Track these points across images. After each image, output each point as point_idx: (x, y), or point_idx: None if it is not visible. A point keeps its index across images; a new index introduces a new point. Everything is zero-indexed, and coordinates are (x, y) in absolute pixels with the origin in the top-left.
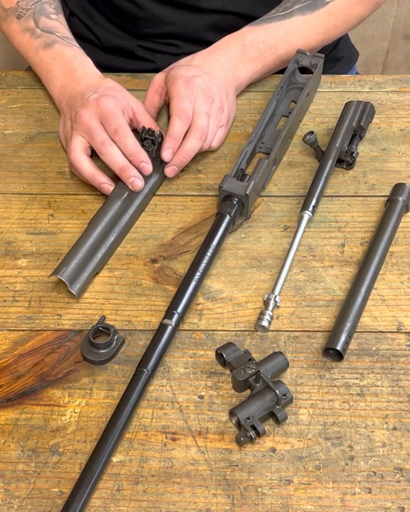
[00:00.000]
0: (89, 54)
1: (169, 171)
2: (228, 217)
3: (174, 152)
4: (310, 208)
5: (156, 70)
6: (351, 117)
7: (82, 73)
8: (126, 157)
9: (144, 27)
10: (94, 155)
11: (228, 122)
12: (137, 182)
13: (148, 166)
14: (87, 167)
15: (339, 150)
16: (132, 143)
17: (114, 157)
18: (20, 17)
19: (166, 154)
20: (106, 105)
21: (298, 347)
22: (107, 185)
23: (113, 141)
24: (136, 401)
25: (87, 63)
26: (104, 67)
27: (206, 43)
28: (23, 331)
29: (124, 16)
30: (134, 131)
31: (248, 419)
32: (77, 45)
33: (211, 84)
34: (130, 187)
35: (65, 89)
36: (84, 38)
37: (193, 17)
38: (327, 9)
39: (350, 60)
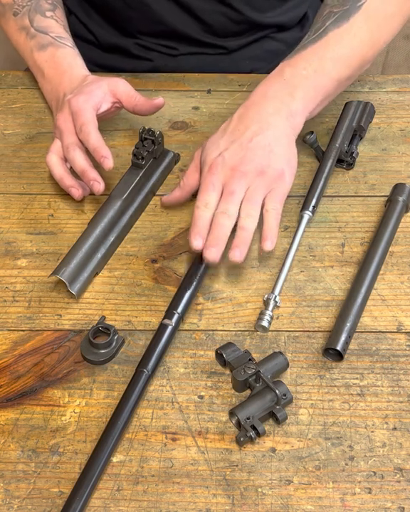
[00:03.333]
0: (86, 53)
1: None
2: None
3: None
4: (310, 208)
5: (154, 69)
6: (351, 117)
7: (69, 75)
8: (91, 152)
9: (140, 26)
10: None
11: (281, 179)
12: (95, 185)
13: (108, 161)
14: (56, 169)
15: (339, 150)
16: (94, 138)
17: (75, 160)
18: (16, 14)
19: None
20: (75, 104)
21: (298, 347)
22: (75, 190)
23: (80, 139)
24: (136, 401)
25: (76, 64)
26: (101, 67)
27: (206, 45)
28: (23, 331)
29: (117, 16)
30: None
31: (248, 419)
32: (71, 43)
33: (245, 155)
34: (91, 189)
35: (53, 94)
36: (81, 36)
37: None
38: (362, 12)
39: None
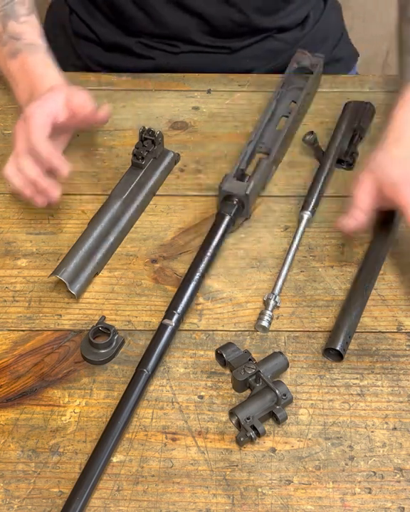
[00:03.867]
0: (88, 51)
1: None
2: (228, 217)
3: None
4: (310, 208)
5: (156, 67)
6: (351, 117)
7: (40, 85)
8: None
9: (143, 26)
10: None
11: None
12: (49, 194)
13: (62, 170)
14: (15, 181)
15: (339, 150)
16: (43, 148)
17: (25, 170)
18: None
19: None
20: (28, 110)
21: (298, 347)
22: (38, 199)
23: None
24: (136, 401)
25: (46, 73)
26: (104, 66)
27: (209, 46)
28: (23, 331)
29: (121, 16)
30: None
31: (248, 419)
32: (43, 49)
33: None
34: (48, 198)
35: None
36: (82, 35)
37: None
38: None
39: (350, 60)
